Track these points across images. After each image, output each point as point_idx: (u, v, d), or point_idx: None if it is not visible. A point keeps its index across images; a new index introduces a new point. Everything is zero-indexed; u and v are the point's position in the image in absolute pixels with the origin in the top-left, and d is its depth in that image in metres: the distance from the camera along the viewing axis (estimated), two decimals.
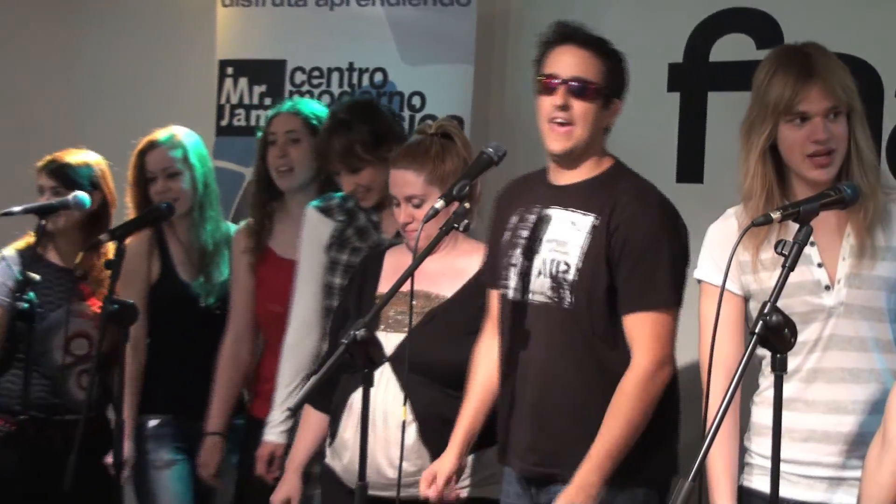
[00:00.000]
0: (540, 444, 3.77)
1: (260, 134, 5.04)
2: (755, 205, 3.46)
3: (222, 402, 5.02)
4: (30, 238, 5.02)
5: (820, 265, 3.44)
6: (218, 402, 5.01)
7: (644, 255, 3.68)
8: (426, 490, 3.92)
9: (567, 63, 3.75)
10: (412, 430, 4.01)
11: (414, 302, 3.94)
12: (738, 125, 4.74)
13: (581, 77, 3.72)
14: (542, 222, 3.81)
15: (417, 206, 4.13)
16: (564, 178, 3.83)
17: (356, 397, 3.96)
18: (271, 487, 4.62)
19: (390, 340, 4.06)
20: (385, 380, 4.05)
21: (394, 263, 4.29)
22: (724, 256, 3.24)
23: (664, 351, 3.64)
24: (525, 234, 3.84)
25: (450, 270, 4.19)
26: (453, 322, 4.09)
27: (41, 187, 5.04)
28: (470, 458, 4.05)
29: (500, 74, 5.56)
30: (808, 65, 3.41)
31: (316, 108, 5.00)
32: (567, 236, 3.74)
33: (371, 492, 3.79)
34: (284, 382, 4.70)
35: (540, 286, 3.76)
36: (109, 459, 4.62)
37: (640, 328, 3.67)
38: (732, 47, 4.84)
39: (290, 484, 4.47)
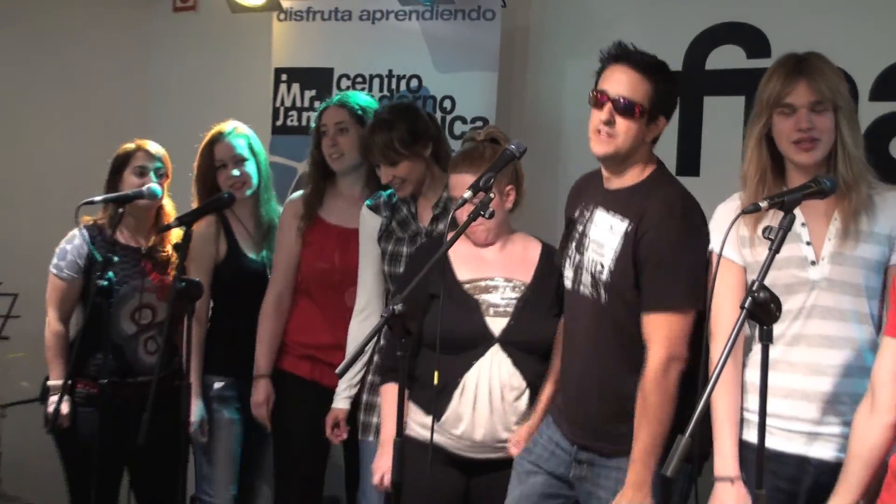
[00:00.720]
0: (580, 420, 3.81)
1: (314, 125, 5.05)
2: (751, 186, 3.56)
3: (267, 349, 4.98)
4: (89, 217, 5.04)
5: (808, 243, 3.51)
6: (263, 349, 4.98)
7: (664, 259, 3.61)
8: (515, 450, 4.04)
9: (617, 81, 3.68)
10: (525, 397, 4.09)
11: (510, 284, 4.10)
12: (730, 125, 4.77)
13: (627, 97, 3.65)
14: (590, 222, 3.81)
15: None
16: (613, 182, 3.80)
17: (468, 377, 4.10)
18: (301, 437, 4.76)
19: (496, 324, 4.09)
20: (498, 360, 4.07)
21: (465, 253, 4.25)
22: (724, 230, 3.30)
23: (675, 349, 3.56)
24: (580, 229, 3.86)
25: (517, 258, 4.23)
26: (540, 304, 4.12)
27: (129, 163, 5.08)
28: None
29: (521, 81, 5.59)
30: (800, 66, 3.51)
31: (361, 99, 5.01)
32: (605, 239, 3.73)
33: (483, 455, 4.09)
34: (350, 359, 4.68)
35: (586, 281, 3.78)
36: (193, 419, 4.81)
37: (654, 327, 3.62)
38: (726, 57, 4.86)
39: (385, 460, 4.25)
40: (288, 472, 4.81)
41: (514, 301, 4.14)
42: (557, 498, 3.91)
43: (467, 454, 4.11)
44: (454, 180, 4.20)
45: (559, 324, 4.08)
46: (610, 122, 3.65)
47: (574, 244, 3.85)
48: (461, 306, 4.10)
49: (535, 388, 4.08)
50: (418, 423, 4.21)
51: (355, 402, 4.72)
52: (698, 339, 3.56)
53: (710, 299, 3.34)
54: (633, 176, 3.76)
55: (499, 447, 4.08)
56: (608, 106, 3.65)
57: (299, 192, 5.08)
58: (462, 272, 4.22)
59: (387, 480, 4.22)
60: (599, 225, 3.77)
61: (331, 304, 4.86)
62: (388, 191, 4.72)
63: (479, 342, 4.01)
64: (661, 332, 3.60)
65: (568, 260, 3.88)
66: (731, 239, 3.51)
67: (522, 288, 4.16)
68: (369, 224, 4.70)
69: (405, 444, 4.16)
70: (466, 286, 4.18)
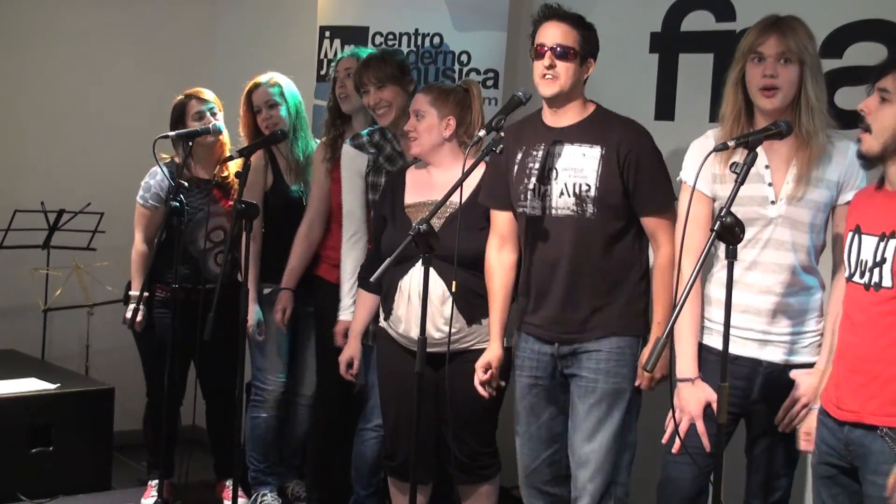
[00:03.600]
0: (568, 317, 3.82)
1: (332, 75, 5.07)
2: (726, 126, 3.52)
3: (295, 267, 5.02)
4: (167, 155, 5.14)
5: (770, 185, 3.48)
6: (292, 266, 5.02)
7: (652, 170, 3.77)
8: (483, 376, 4.00)
9: (551, 35, 3.78)
10: (450, 303, 4.04)
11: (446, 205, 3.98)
12: (701, 79, 4.71)
13: (562, 44, 3.75)
14: (552, 156, 3.81)
15: (419, 119, 4.23)
16: (561, 120, 3.85)
17: (404, 282, 4.15)
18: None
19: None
20: (421, 268, 4.01)
21: (413, 180, 4.35)
22: (698, 165, 3.32)
23: (674, 240, 3.69)
24: (535, 166, 3.85)
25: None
26: (467, 222, 4.03)
27: (187, 111, 5.10)
28: (486, 323, 4.10)
29: (526, 39, 5.46)
30: (774, 22, 3.46)
31: (368, 52, 4.99)
32: (581, 164, 3.77)
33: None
34: (346, 276, 4.70)
35: (563, 203, 3.78)
36: (251, 321, 4.90)
37: (658, 225, 3.77)
38: (697, 20, 4.78)
39: (352, 346, 4.53)
40: (328, 360, 4.80)
41: (444, 220, 4.14)
42: (559, 392, 3.93)
43: (412, 348, 4.04)
44: (417, 97, 4.30)
45: (488, 255, 4.03)
46: (552, 67, 3.74)
47: (534, 178, 3.84)
48: (400, 226, 4.16)
49: (463, 294, 4.02)
50: (383, 322, 4.32)
51: None
52: None
53: (685, 226, 3.30)
54: (577, 113, 3.84)
55: (434, 342, 3.97)
56: (548, 54, 3.75)
57: (324, 138, 5.09)
58: (409, 196, 4.29)
59: (354, 369, 4.48)
60: (567, 156, 3.80)
61: None
62: (366, 131, 4.74)
63: (412, 255, 3.88)
64: (665, 229, 3.76)
65: (530, 193, 3.85)
66: (704, 174, 3.49)
67: (453, 208, 4.12)
68: (355, 161, 4.68)
69: (381, 340, 4.35)
70: (408, 209, 4.25)
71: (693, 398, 3.50)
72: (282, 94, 5.12)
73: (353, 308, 4.64)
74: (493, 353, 4.02)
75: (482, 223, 4.12)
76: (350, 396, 4.89)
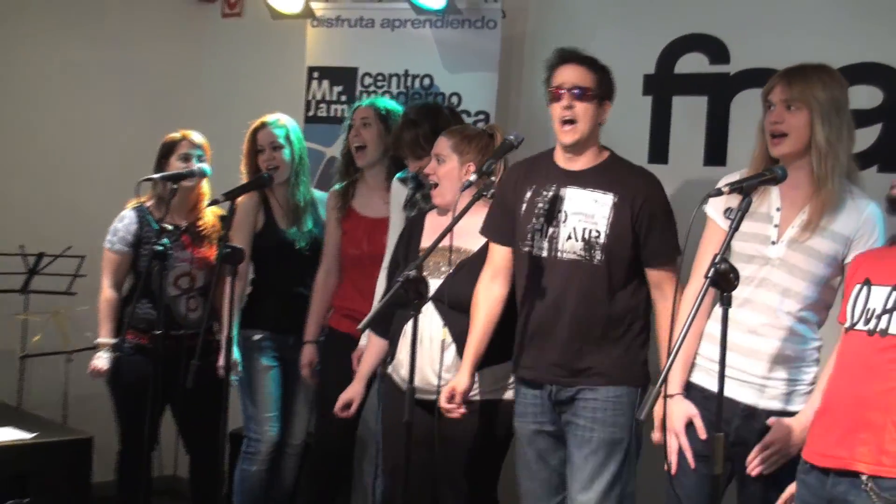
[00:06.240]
0: (569, 362, 3.83)
1: (346, 123, 5.08)
2: (752, 166, 3.54)
3: (316, 318, 5.06)
4: (140, 199, 5.06)
5: (776, 226, 3.50)
6: (313, 318, 5.06)
7: (664, 221, 3.82)
8: (445, 403, 3.95)
9: (568, 76, 3.82)
10: (451, 350, 4.05)
11: (452, 255, 4.04)
12: (695, 121, 4.77)
13: (579, 85, 3.79)
14: (562, 198, 3.84)
15: (440, 163, 4.22)
16: (575, 164, 3.87)
17: (409, 327, 4.00)
18: (339, 377, 4.66)
19: (432, 284, 4.04)
20: (430, 313, 4.06)
21: (432, 223, 4.32)
22: (720, 200, 3.43)
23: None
24: (544, 206, 3.87)
25: (473, 228, 4.12)
26: (477, 270, 4.06)
27: (175, 150, 5.06)
28: (482, 373, 4.05)
29: (518, 81, 5.57)
30: (791, 70, 3.50)
31: (388, 103, 5.07)
32: (593, 210, 3.80)
33: (420, 396, 3.94)
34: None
35: (571, 247, 3.80)
36: (221, 363, 4.76)
37: (664, 277, 3.81)
38: (691, 62, 4.84)
39: (354, 389, 4.51)
40: (328, 407, 4.79)
41: (454, 266, 4.13)
42: (559, 442, 3.93)
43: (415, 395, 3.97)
44: (440, 140, 4.26)
45: (479, 285, 4.02)
46: (570, 108, 3.77)
47: (542, 219, 3.86)
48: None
49: (464, 342, 4.00)
50: (390, 368, 4.30)
51: None
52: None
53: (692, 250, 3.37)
54: (592, 158, 3.87)
55: (433, 390, 4.01)
56: (566, 94, 3.79)
57: (338, 185, 5.10)
58: (426, 240, 4.23)
59: (353, 410, 4.46)
60: (578, 200, 3.82)
61: (364, 280, 4.83)
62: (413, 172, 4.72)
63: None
64: (671, 280, 3.77)
65: (537, 233, 3.87)
66: (720, 206, 3.57)
67: (466, 255, 4.13)
68: (398, 194, 4.72)
69: (386, 384, 4.34)
70: (422, 251, 4.15)
71: (674, 413, 3.55)
72: (287, 137, 5.13)
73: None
74: (459, 382, 3.94)
75: None
76: (346, 447, 4.88)
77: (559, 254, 3.83)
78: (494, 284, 4.03)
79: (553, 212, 3.85)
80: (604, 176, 3.84)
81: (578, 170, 3.87)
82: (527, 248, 3.91)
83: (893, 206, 3.24)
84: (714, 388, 3.27)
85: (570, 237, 3.81)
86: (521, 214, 3.93)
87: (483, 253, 4.11)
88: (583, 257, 3.80)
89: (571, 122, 3.80)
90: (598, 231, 3.77)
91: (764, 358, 3.49)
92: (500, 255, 4.03)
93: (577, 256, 3.81)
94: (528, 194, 3.92)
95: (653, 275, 3.83)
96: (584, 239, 3.79)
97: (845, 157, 3.44)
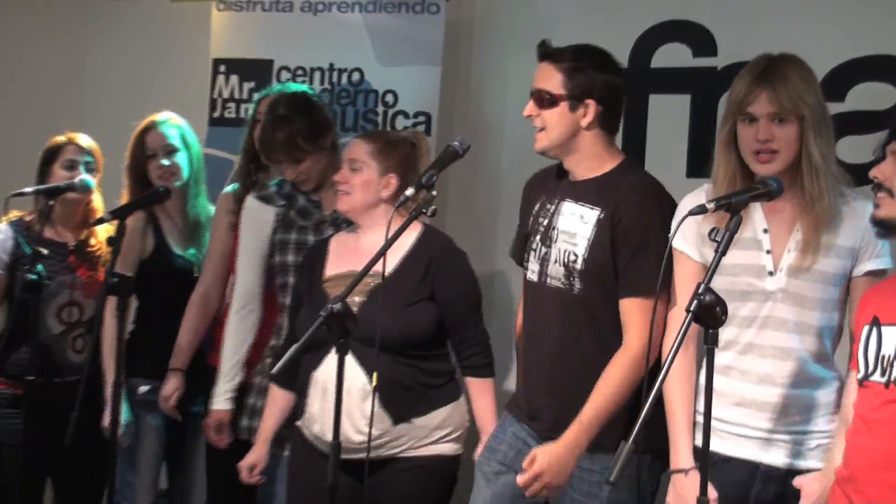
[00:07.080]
0: (553, 408, 3.72)
1: (251, 115, 4.91)
2: (719, 189, 3.45)
3: (187, 343, 4.79)
4: (18, 212, 4.93)
5: (768, 252, 3.43)
6: (183, 343, 4.78)
7: (639, 245, 3.61)
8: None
9: (537, 78, 3.75)
10: (371, 398, 3.90)
11: (369, 277, 3.78)
12: (676, 124, 4.75)
13: (541, 88, 3.72)
14: (557, 214, 3.77)
15: (354, 171, 4.14)
16: (575, 174, 3.78)
17: (319, 373, 3.97)
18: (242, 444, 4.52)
19: None
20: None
21: (337, 247, 4.21)
22: (690, 225, 3.38)
23: (652, 335, 3.52)
24: (544, 222, 3.80)
25: (398, 251, 4.05)
26: (394, 296, 3.93)
27: (59, 156, 4.95)
28: (412, 423, 4.05)
29: (465, 75, 5.51)
30: (766, 71, 3.40)
31: (298, 89, 4.89)
32: (576, 228, 3.70)
33: (346, 456, 3.74)
34: (227, 356, 4.57)
35: (555, 272, 3.72)
36: (107, 421, 4.54)
37: (633, 313, 3.61)
38: (671, 55, 4.81)
39: (257, 452, 4.35)
40: (221, 471, 4.66)
41: (366, 294, 4.00)
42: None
43: (328, 453, 3.74)
44: (355, 145, 4.18)
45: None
46: (538, 115, 3.73)
47: (539, 237, 3.79)
48: (315, 306, 3.86)
49: (386, 387, 3.89)
50: (301, 424, 4.16)
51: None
52: None
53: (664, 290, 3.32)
54: (597, 167, 3.75)
55: (354, 447, 3.87)
56: (531, 101, 3.76)
57: (233, 186, 4.87)
58: (331, 267, 4.15)
59: (255, 473, 4.37)
60: (567, 215, 3.73)
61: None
62: (275, 181, 4.60)
63: (326, 340, 3.70)
64: (640, 317, 3.57)
65: (533, 253, 3.80)
66: (691, 236, 3.46)
67: (377, 280, 3.94)
68: (259, 216, 4.55)
69: (295, 442, 4.25)
70: (327, 283, 4.09)
71: (689, 492, 3.38)
72: (183, 139, 4.96)
73: (228, 395, 4.53)
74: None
75: (413, 297, 4.00)
76: None
77: (548, 279, 3.75)
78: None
79: (548, 229, 3.77)
80: (597, 188, 3.71)
81: (576, 181, 3.77)
82: (525, 271, 3.87)
83: (882, 227, 3.20)
84: (728, 451, 3.41)
85: (555, 260, 3.73)
86: (528, 231, 3.88)
87: (398, 275, 4.00)
88: (564, 285, 3.70)
89: (542, 128, 3.73)
90: (575, 254, 3.67)
91: (780, 409, 3.43)
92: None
93: (560, 284, 3.71)
94: (536, 208, 3.87)
95: (621, 304, 3.66)
96: (564, 264, 3.69)
97: (835, 165, 3.42)
